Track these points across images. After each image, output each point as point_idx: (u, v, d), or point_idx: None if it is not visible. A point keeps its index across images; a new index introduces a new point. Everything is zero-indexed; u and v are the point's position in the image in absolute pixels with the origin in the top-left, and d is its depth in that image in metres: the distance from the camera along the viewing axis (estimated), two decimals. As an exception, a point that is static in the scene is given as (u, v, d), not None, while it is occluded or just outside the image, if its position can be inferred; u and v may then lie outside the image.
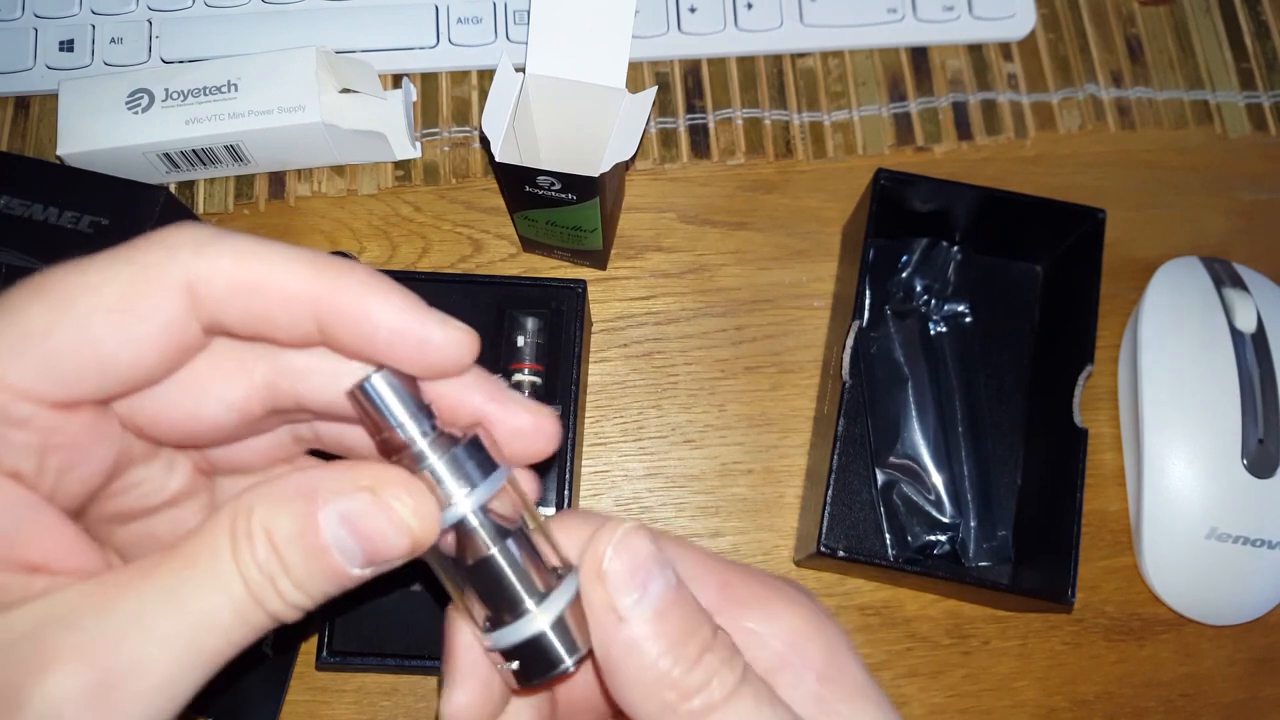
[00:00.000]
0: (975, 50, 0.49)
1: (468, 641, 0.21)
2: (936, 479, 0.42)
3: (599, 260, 0.45)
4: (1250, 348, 0.41)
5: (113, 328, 0.18)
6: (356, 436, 0.23)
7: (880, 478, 0.43)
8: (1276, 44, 0.50)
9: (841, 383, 0.39)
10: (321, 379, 0.21)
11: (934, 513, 0.42)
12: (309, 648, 0.40)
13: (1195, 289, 0.43)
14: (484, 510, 0.20)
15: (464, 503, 0.19)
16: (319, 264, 0.19)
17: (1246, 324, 0.42)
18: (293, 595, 0.18)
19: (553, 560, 0.21)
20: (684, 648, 0.19)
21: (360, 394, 0.20)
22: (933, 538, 0.42)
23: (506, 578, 0.20)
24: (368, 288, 0.20)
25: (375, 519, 0.18)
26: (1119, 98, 0.49)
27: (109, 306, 0.18)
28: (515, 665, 0.20)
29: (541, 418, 0.22)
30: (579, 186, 0.37)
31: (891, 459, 0.43)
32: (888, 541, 0.42)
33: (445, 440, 0.20)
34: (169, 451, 0.23)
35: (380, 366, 0.20)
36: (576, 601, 0.20)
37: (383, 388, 0.19)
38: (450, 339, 0.20)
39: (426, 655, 0.37)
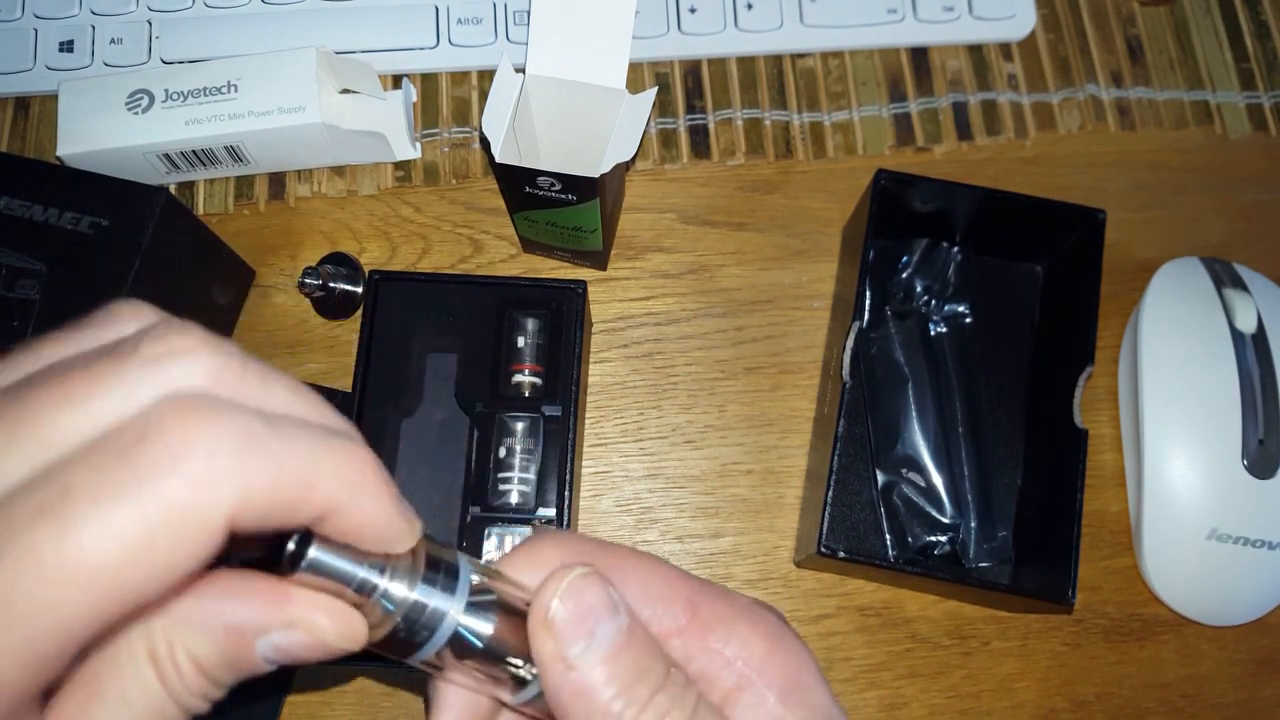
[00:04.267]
0: (975, 50, 0.49)
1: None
2: (937, 479, 0.42)
3: (599, 261, 0.45)
4: (1250, 348, 0.41)
5: (128, 578, 0.15)
6: None
7: (880, 478, 0.43)
8: (1276, 44, 0.50)
9: (841, 383, 0.39)
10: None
11: (934, 513, 0.42)
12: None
13: (1195, 289, 0.43)
14: (470, 606, 0.20)
15: (452, 614, 0.19)
16: (343, 470, 0.17)
17: (1247, 324, 0.42)
18: (217, 696, 0.18)
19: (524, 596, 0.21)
20: (635, 689, 0.19)
21: (306, 577, 0.18)
22: (933, 538, 0.42)
23: (512, 646, 0.20)
24: (376, 500, 0.18)
25: (304, 648, 0.18)
26: (1119, 98, 0.49)
27: (130, 551, 0.14)
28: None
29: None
30: (579, 187, 0.37)
31: (892, 459, 0.43)
32: (888, 542, 0.42)
33: (401, 573, 0.19)
34: None
35: (301, 535, 0.18)
36: None
37: (325, 559, 0.18)
38: (414, 538, 0.19)
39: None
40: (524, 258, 0.46)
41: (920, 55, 0.49)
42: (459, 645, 0.20)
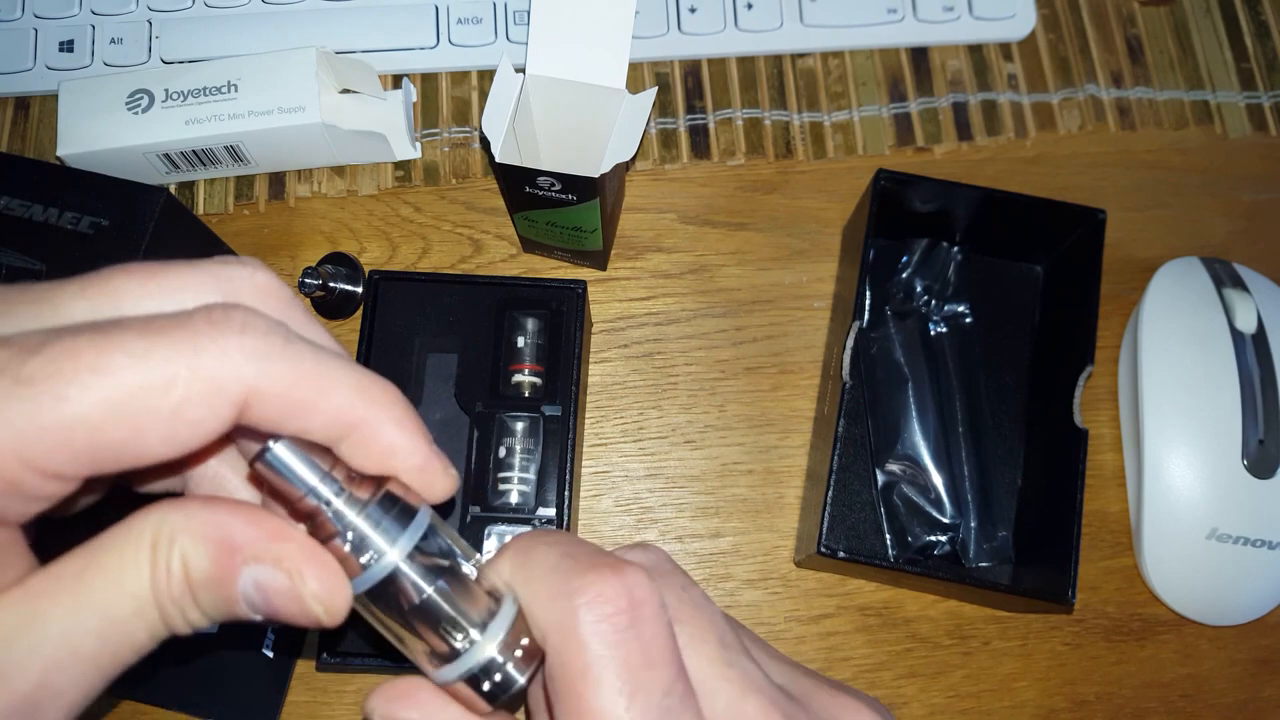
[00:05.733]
0: (975, 50, 0.49)
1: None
2: (937, 479, 0.42)
3: (599, 261, 0.45)
4: (1250, 348, 0.41)
5: (152, 426, 0.17)
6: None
7: (880, 478, 0.43)
8: (1276, 44, 0.50)
9: (842, 383, 0.39)
10: None
11: (934, 513, 0.42)
12: (309, 648, 0.41)
13: (1195, 289, 0.43)
14: (411, 558, 0.20)
15: (389, 556, 0.20)
16: (365, 388, 0.19)
17: (1247, 324, 0.42)
18: (196, 620, 0.19)
19: (488, 583, 0.21)
20: None
21: (265, 468, 0.19)
22: (933, 538, 0.42)
23: (448, 614, 0.20)
24: (401, 427, 0.20)
25: (286, 597, 0.19)
26: (1119, 98, 0.49)
27: (156, 397, 0.17)
28: (477, 689, 0.20)
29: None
30: (579, 187, 0.37)
31: (892, 459, 0.43)
32: (888, 542, 0.42)
33: (358, 500, 0.20)
34: None
35: (277, 437, 0.19)
36: (520, 619, 0.21)
37: (288, 457, 0.19)
38: (450, 487, 0.21)
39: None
40: (524, 258, 0.46)
41: (920, 55, 0.49)
42: (391, 591, 0.20)
